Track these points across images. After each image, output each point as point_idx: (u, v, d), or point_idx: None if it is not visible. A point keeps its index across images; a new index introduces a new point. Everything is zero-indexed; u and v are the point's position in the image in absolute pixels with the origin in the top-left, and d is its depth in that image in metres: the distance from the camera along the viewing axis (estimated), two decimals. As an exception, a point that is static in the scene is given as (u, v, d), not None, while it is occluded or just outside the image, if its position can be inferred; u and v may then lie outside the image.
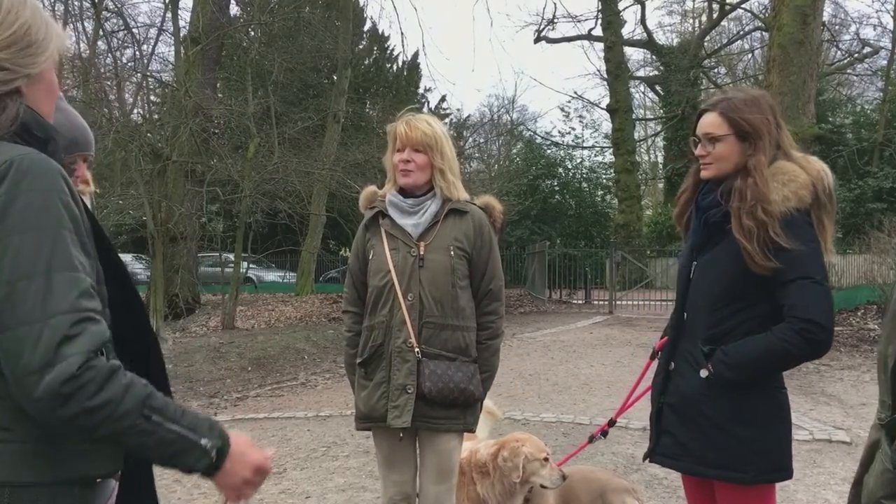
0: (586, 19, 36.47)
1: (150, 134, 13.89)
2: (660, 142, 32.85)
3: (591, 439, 3.25)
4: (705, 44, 27.74)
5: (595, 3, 27.80)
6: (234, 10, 19.53)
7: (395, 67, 27.35)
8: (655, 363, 2.60)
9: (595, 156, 29.33)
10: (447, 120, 26.26)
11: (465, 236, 2.80)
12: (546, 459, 3.10)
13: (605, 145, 28.84)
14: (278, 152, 14.63)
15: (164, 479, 4.90)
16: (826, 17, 19.90)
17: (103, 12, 14.30)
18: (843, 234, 16.32)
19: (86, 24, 14.46)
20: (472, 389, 2.75)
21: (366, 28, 26.31)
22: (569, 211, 26.58)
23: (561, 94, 75.89)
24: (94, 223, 1.42)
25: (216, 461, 1.35)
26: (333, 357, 10.13)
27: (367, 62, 26.57)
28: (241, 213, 14.59)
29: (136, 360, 1.51)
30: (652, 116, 35.42)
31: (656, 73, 28.72)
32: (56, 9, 12.56)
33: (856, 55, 25.89)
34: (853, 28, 26.74)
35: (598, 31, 26.39)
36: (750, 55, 30.37)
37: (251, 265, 20.77)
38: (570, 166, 27.78)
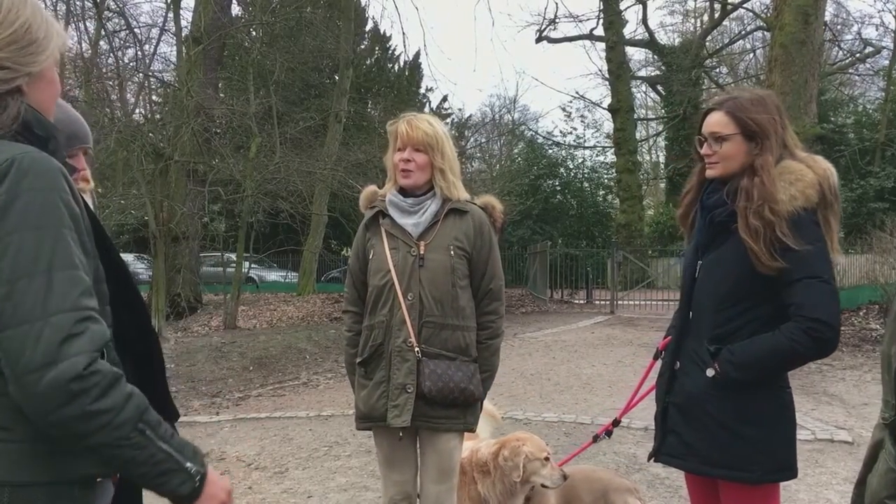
0: (588, 19, 36.59)
1: (152, 134, 13.89)
2: (661, 142, 32.82)
3: (596, 439, 3.25)
4: (707, 43, 27.71)
5: (597, 2, 27.85)
6: (235, 9, 19.55)
7: (396, 67, 27.37)
8: (659, 363, 2.60)
9: (597, 156, 29.34)
10: (449, 120, 26.27)
11: (466, 236, 2.80)
12: (547, 459, 3.10)
13: (606, 145, 28.83)
14: (280, 152, 14.65)
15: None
16: (828, 16, 19.89)
17: (105, 12, 14.30)
18: (844, 234, 16.27)
19: (87, 23, 14.46)
20: (472, 389, 2.75)
21: (367, 28, 26.32)
22: (570, 211, 26.57)
23: (562, 94, 75.84)
24: (95, 222, 1.42)
25: (198, 486, 1.37)
26: (335, 357, 10.13)
27: (368, 62, 26.59)
28: (243, 213, 14.61)
29: (137, 360, 1.51)
30: (653, 116, 35.40)
31: (658, 72, 28.69)
32: (58, 9, 12.57)
33: (857, 55, 25.87)
34: (855, 28, 26.74)
35: (599, 31, 26.37)
36: (752, 55, 30.35)
37: (253, 265, 20.78)
38: (571, 166, 27.79)
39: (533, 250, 20.37)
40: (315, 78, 22.22)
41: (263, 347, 10.85)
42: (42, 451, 1.27)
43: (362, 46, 26.09)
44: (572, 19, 35.82)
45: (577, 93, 42.01)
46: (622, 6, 25.84)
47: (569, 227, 26.12)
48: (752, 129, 2.26)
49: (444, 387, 2.68)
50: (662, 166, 32.83)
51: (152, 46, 15.27)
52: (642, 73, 30.51)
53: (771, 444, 2.24)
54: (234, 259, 15.49)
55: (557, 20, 26.55)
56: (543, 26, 26.41)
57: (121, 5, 14.60)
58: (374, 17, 29.38)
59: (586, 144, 29.20)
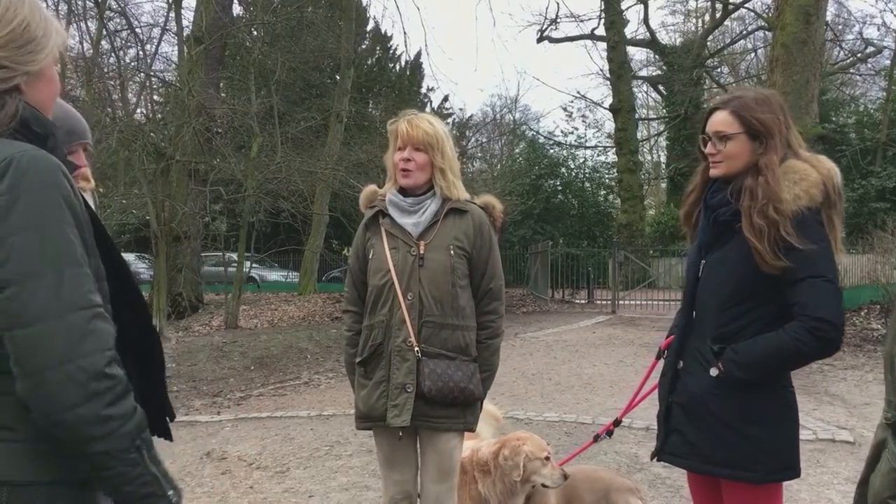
0: (589, 19, 36.59)
1: (154, 133, 13.89)
2: (663, 141, 32.81)
3: (597, 438, 3.25)
4: (708, 43, 27.71)
5: (598, 2, 27.77)
6: (237, 9, 19.55)
7: (397, 67, 27.38)
8: (661, 363, 2.60)
9: (598, 155, 29.33)
10: (450, 120, 26.29)
11: (465, 235, 2.79)
12: (547, 458, 3.09)
13: (607, 145, 28.82)
14: (281, 152, 14.65)
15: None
16: (829, 16, 19.87)
17: (106, 12, 14.30)
18: (846, 234, 16.24)
19: (89, 23, 14.47)
20: (472, 388, 2.75)
21: (369, 28, 26.33)
22: (571, 211, 26.57)
23: (564, 94, 75.63)
24: (95, 220, 1.41)
25: None
26: (336, 356, 10.14)
27: (369, 62, 26.60)
28: (245, 213, 14.61)
29: (138, 359, 1.51)
30: (655, 116, 35.40)
31: (659, 72, 28.69)
32: (59, 8, 12.58)
33: (859, 55, 25.86)
34: (856, 28, 26.80)
35: (601, 31, 26.37)
36: (753, 55, 30.35)
37: (254, 264, 20.80)
38: (572, 166, 27.77)
39: (534, 250, 20.38)
40: (316, 78, 22.23)
41: (265, 347, 10.86)
42: (43, 451, 1.27)
43: (363, 46, 26.10)
44: (573, 19, 35.93)
45: (578, 93, 42.00)
46: (623, 6, 25.86)
47: (570, 227, 26.12)
48: (756, 129, 2.26)
49: (443, 386, 2.68)
50: (664, 166, 32.81)
51: (154, 46, 15.29)
52: (643, 72, 30.52)
53: (775, 444, 2.24)
54: (236, 259, 15.49)
55: (559, 20, 26.57)
56: (545, 26, 26.44)
57: (122, 5, 14.61)
58: (375, 17, 29.53)
59: (587, 144, 29.22)
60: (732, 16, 27.30)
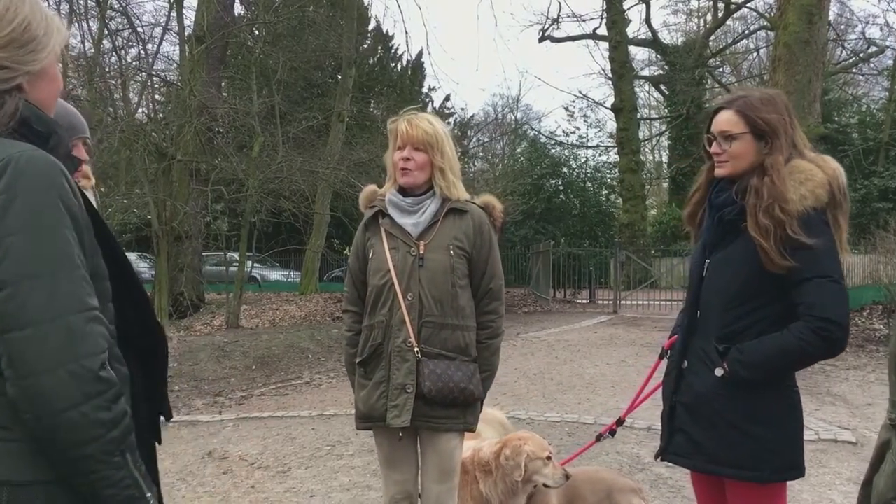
0: (591, 18, 36.59)
1: (155, 133, 13.92)
2: (664, 141, 32.82)
3: (599, 438, 3.24)
4: (710, 43, 27.68)
5: (600, 2, 27.81)
6: (238, 9, 19.55)
7: (399, 66, 27.38)
8: (664, 362, 2.59)
9: (599, 155, 29.35)
10: (451, 119, 26.28)
11: (465, 235, 2.78)
12: (549, 458, 3.09)
13: (609, 145, 28.83)
14: (283, 151, 14.65)
15: (169, 476, 4.91)
16: (832, 16, 19.83)
17: (108, 11, 14.33)
18: (848, 234, 16.27)
19: (90, 23, 14.50)
20: (472, 389, 2.74)
21: (370, 27, 26.34)
22: (573, 210, 26.57)
23: (565, 94, 75.75)
24: (96, 218, 1.41)
25: None
26: (338, 356, 10.13)
27: (371, 61, 26.60)
28: (246, 212, 14.61)
29: (141, 356, 1.50)
30: (657, 116, 35.40)
31: (661, 72, 28.69)
32: (61, 7, 12.59)
33: (861, 55, 25.84)
34: (859, 27, 26.82)
35: (602, 31, 26.39)
36: (755, 54, 30.34)
37: (255, 264, 20.80)
38: (574, 166, 27.78)
39: (536, 250, 20.37)
40: (318, 77, 22.26)
41: (266, 347, 10.86)
42: (42, 450, 1.26)
43: (365, 46, 26.09)
44: (575, 19, 35.97)
45: (580, 92, 41.90)
46: (625, 6, 25.87)
47: (571, 227, 26.12)
48: (762, 129, 2.25)
49: (443, 387, 2.67)
50: (665, 166, 32.81)
51: (155, 46, 15.37)
52: (645, 72, 30.51)
53: (780, 444, 2.23)
54: (237, 258, 15.50)
55: (560, 20, 26.62)
56: (546, 26, 26.46)
57: (124, 4, 14.63)
58: (376, 17, 29.54)
59: (589, 144, 29.23)
60: (734, 15, 27.30)
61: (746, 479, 2.25)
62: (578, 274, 19.27)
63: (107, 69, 14.22)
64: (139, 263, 20.52)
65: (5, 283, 1.20)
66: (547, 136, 29.85)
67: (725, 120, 2.31)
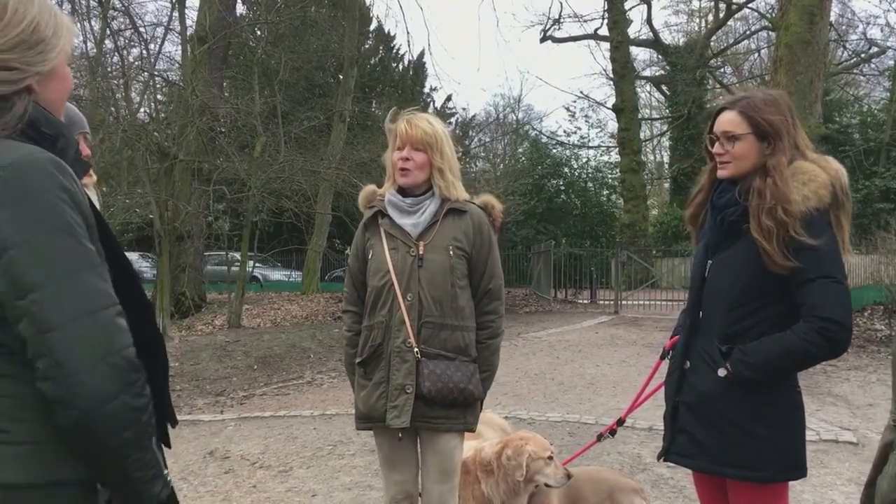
0: (592, 19, 36.64)
1: (157, 133, 13.93)
2: (665, 141, 32.81)
3: (600, 438, 3.25)
4: (712, 43, 27.69)
5: (601, 2, 27.79)
6: (240, 9, 19.57)
7: (400, 67, 27.38)
8: (665, 363, 2.60)
9: (601, 155, 29.35)
10: (453, 119, 26.28)
11: (465, 235, 2.79)
12: (550, 458, 3.09)
13: (610, 145, 28.83)
14: (284, 151, 14.66)
15: (170, 476, 4.91)
16: (833, 16, 19.83)
17: (110, 11, 14.35)
18: (850, 235, 16.26)
19: (93, 22, 14.51)
20: (472, 389, 2.74)
21: (372, 27, 26.34)
22: (574, 210, 26.56)
23: (567, 94, 75.71)
24: (99, 219, 1.41)
25: (172, 491, 1.43)
26: (339, 356, 10.14)
27: (372, 61, 26.60)
28: (248, 212, 14.62)
29: (143, 358, 1.51)
30: (658, 116, 35.37)
31: (662, 72, 28.68)
32: (63, 7, 12.60)
33: (863, 55, 25.82)
34: (860, 28, 26.70)
35: (604, 31, 26.40)
36: (756, 55, 30.33)
37: (257, 264, 20.80)
38: (575, 166, 27.77)
39: (537, 250, 20.38)
40: (319, 77, 22.25)
41: (267, 346, 10.87)
42: (39, 454, 1.28)
43: (366, 46, 26.09)
44: (577, 19, 36.05)
45: (581, 92, 41.86)
46: (627, 6, 25.87)
47: (573, 227, 26.11)
48: (764, 130, 2.26)
49: (443, 387, 2.67)
50: (666, 166, 32.80)
51: (157, 45, 15.36)
52: (647, 72, 30.51)
53: (783, 444, 2.24)
54: (239, 258, 15.51)
55: (562, 20, 26.70)
56: (548, 26, 26.48)
57: (126, 4, 14.64)
58: (378, 17, 29.45)
59: (590, 144, 29.23)
60: (736, 16, 27.31)
61: (749, 480, 2.25)
62: (580, 274, 19.27)
63: (109, 69, 14.22)
64: (141, 263, 20.54)
65: (38, 285, 1.22)
66: (548, 137, 29.86)
67: (728, 120, 2.31)
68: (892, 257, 11.58)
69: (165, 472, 1.40)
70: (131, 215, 16.54)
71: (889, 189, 19.64)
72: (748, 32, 28.72)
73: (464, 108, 32.53)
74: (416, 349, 2.70)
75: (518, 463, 3.02)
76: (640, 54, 31.08)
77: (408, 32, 57.51)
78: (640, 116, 28.23)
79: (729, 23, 28.05)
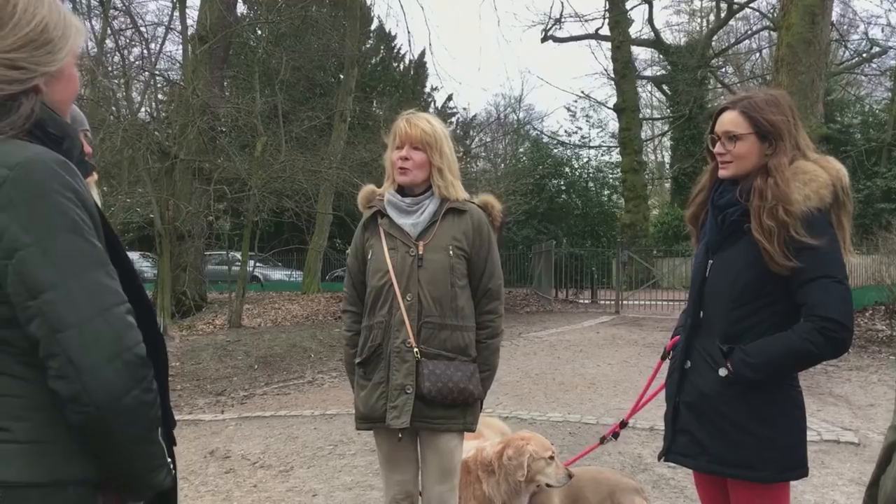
0: (593, 19, 36.63)
1: (158, 132, 13.92)
2: (667, 141, 32.78)
3: (603, 440, 3.24)
4: (713, 43, 27.69)
5: (602, 2, 27.79)
6: (241, 8, 19.58)
7: (401, 66, 27.38)
8: (666, 363, 2.59)
9: (602, 155, 29.36)
10: (454, 119, 26.27)
11: (464, 235, 2.78)
12: (551, 458, 3.09)
13: (611, 145, 28.84)
14: (285, 151, 14.66)
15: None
16: (834, 16, 19.80)
17: (111, 10, 14.35)
18: (851, 235, 16.26)
19: (94, 22, 14.50)
20: (472, 389, 2.74)
21: (373, 27, 26.34)
22: (575, 210, 26.57)
23: (568, 94, 75.64)
24: (102, 219, 1.41)
25: (174, 478, 1.45)
26: (340, 355, 10.09)
27: (373, 61, 26.61)
28: (248, 212, 14.62)
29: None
30: (659, 116, 35.38)
31: (663, 72, 28.66)
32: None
33: (864, 55, 25.78)
34: (862, 28, 26.66)
35: (605, 31, 26.37)
36: (758, 55, 30.30)
37: (258, 263, 20.80)
38: (576, 166, 27.79)
39: (538, 250, 20.38)
40: (320, 77, 22.24)
41: (268, 346, 10.87)
42: (39, 452, 1.28)
43: (367, 45, 26.09)
44: (578, 19, 36.07)
45: (582, 92, 41.98)
46: (628, 6, 25.88)
47: (574, 227, 26.12)
48: (766, 130, 2.26)
49: (443, 387, 2.67)
50: (667, 166, 32.79)
51: (158, 45, 15.36)
52: (648, 72, 30.50)
53: (784, 443, 2.24)
54: (240, 257, 15.51)
55: (563, 20, 26.69)
56: (549, 26, 26.46)
57: (127, 4, 14.65)
58: (379, 16, 29.45)
59: (591, 144, 29.25)
60: (737, 16, 27.31)
61: (750, 479, 2.25)
62: (580, 274, 19.27)
63: (110, 68, 14.22)
64: (142, 262, 20.53)
65: (50, 285, 1.22)
66: (549, 136, 29.89)
67: (730, 120, 2.31)
68: (893, 257, 11.56)
69: (168, 460, 1.42)
70: (132, 215, 16.54)
71: (890, 189, 19.64)
72: (749, 32, 28.73)
73: (465, 108, 32.60)
74: (415, 349, 2.69)
75: (519, 463, 3.02)
76: (642, 54, 31.15)
77: (409, 32, 57.51)
78: (641, 116, 28.22)
79: (730, 22, 28.06)
